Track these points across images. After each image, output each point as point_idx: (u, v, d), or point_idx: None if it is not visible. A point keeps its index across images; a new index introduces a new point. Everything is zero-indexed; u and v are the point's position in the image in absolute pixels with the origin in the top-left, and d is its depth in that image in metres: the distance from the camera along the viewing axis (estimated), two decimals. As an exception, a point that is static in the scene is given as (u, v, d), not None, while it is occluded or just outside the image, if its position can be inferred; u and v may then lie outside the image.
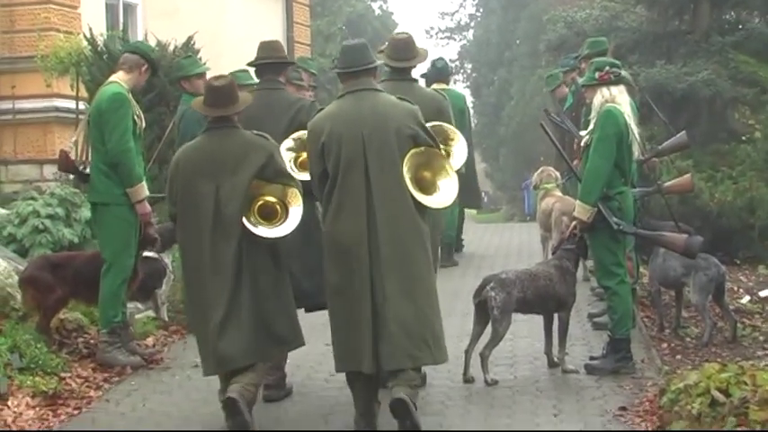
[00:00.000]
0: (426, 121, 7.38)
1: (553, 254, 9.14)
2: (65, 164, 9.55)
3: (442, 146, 7.53)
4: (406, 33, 8.40)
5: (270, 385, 7.94)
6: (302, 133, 7.73)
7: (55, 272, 9.12)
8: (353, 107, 7.10)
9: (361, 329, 6.89)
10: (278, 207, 7.19)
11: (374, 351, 6.86)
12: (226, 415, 6.94)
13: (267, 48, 8.39)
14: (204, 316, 7.15)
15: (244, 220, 7.09)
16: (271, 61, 8.27)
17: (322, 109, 7.45)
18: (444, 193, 7.15)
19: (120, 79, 9.01)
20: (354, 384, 7.11)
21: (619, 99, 8.44)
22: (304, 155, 7.60)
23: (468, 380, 8.26)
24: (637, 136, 8.59)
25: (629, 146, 8.41)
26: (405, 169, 7.01)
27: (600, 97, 8.46)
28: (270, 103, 8.00)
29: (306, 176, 7.42)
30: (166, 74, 12.98)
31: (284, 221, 7.18)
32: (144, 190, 8.87)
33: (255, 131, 7.34)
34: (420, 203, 7.05)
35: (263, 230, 7.13)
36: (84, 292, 9.14)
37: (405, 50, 8.20)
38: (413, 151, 7.04)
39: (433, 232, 7.61)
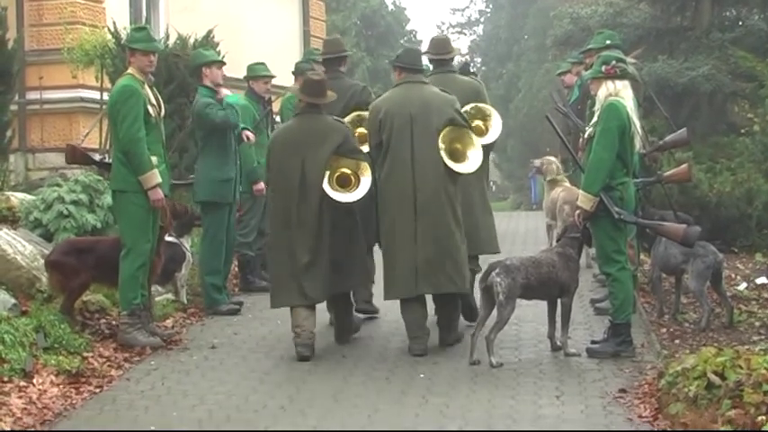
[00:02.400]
0: (466, 103, 9.49)
1: (557, 241, 9.25)
2: (72, 156, 9.89)
3: (480, 121, 9.65)
4: (444, 34, 9.94)
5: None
6: (355, 114, 9.76)
7: (79, 256, 9.30)
8: (405, 94, 9.03)
9: (405, 263, 8.76)
10: (352, 177, 8.92)
11: (415, 279, 8.74)
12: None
13: (330, 44, 10.65)
14: (288, 259, 8.87)
15: (325, 186, 8.78)
16: (333, 56, 10.33)
17: (376, 93, 10.13)
18: (471, 162, 8.93)
19: (130, 72, 9.24)
20: (405, 310, 8.91)
21: (623, 93, 8.59)
22: (357, 131, 9.54)
23: (473, 362, 8.39)
24: (639, 129, 8.74)
25: (631, 138, 8.56)
26: (440, 142, 8.81)
27: (605, 90, 8.62)
28: (333, 88, 9.43)
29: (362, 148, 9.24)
30: (186, 66, 13.23)
31: (357, 188, 8.90)
32: (155, 177, 9.00)
33: (334, 117, 9.15)
34: (451, 169, 8.82)
35: (340, 196, 8.82)
36: (108, 276, 9.27)
37: (443, 46, 10.11)
38: (447, 128, 8.86)
39: (479, 181, 9.64)
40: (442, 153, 8.81)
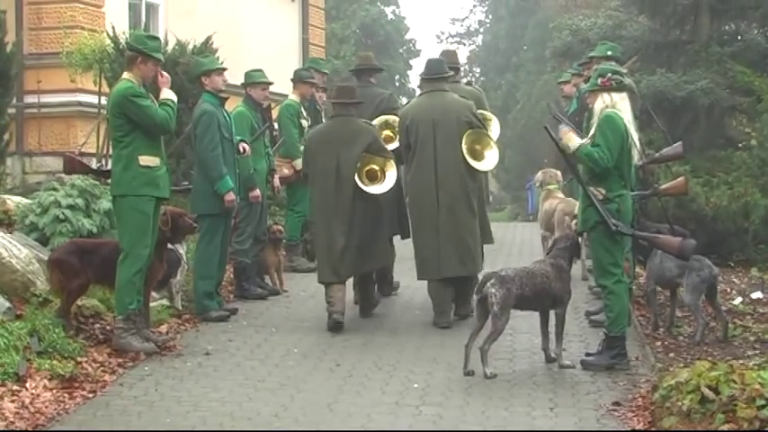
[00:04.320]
0: None
1: (548, 253, 9.26)
2: (70, 167, 9.93)
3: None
4: (453, 48, 11.86)
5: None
6: (383, 118, 11.34)
7: (83, 257, 9.27)
8: (429, 102, 10.43)
9: (430, 250, 10.25)
10: (379, 173, 10.37)
11: (438, 264, 10.20)
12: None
13: (363, 58, 12.56)
14: (327, 241, 10.30)
15: (356, 179, 10.20)
16: (365, 67, 12.05)
17: (401, 99, 12.14)
18: (489, 161, 10.47)
19: (127, 76, 9.21)
20: (430, 289, 10.40)
21: (620, 105, 8.61)
22: (384, 133, 11.15)
23: (468, 373, 8.39)
24: (636, 142, 8.74)
25: (629, 151, 8.58)
26: (462, 143, 10.20)
27: (601, 102, 8.65)
28: (364, 95, 11.17)
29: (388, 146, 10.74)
30: (185, 72, 13.22)
31: (383, 182, 10.35)
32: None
33: (364, 120, 10.59)
34: (472, 167, 10.25)
35: (370, 188, 10.28)
36: (111, 279, 9.23)
37: (452, 57, 11.96)
38: (468, 132, 10.26)
39: (481, 187, 10.98)
40: (465, 152, 10.19)
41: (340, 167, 10.25)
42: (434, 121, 10.23)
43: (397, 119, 11.13)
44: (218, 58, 11.92)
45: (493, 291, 8.34)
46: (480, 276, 9.00)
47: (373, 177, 10.37)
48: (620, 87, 8.67)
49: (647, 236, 9.19)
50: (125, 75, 9.26)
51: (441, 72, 10.56)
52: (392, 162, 10.44)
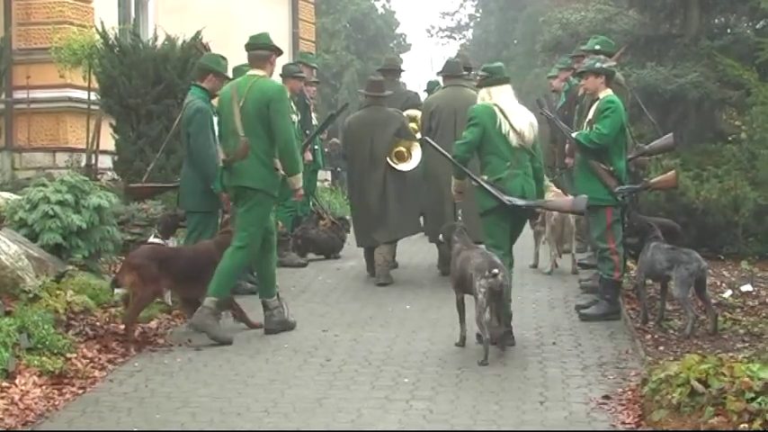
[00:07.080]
0: None
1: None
2: (138, 193, 10.96)
3: None
4: (456, 58, 13.77)
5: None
6: (408, 113, 13.25)
7: (162, 264, 9.38)
8: (450, 94, 12.31)
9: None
10: (406, 153, 12.33)
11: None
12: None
13: (390, 60, 15.16)
14: (363, 212, 12.42)
15: (387, 159, 12.13)
16: (391, 68, 14.51)
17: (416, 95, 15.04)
18: None
19: (265, 72, 9.76)
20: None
21: (494, 95, 9.33)
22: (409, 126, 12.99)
23: (461, 342, 9.06)
24: (514, 124, 9.18)
25: (500, 134, 9.16)
26: None
27: (479, 99, 9.57)
28: (392, 92, 13.17)
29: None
30: (174, 67, 13.20)
31: (410, 161, 12.28)
32: (300, 179, 9.76)
33: (393, 109, 12.63)
34: None
35: (399, 166, 12.21)
36: (183, 287, 9.60)
37: (468, 61, 14.18)
38: None
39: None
40: None
41: (374, 148, 12.22)
42: (455, 109, 11.83)
43: (419, 114, 13.14)
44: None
45: (501, 278, 8.62)
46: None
47: (401, 157, 12.27)
48: (491, 82, 9.38)
49: (539, 203, 9.50)
50: (261, 71, 9.74)
51: (459, 71, 12.56)
52: (417, 144, 12.28)
